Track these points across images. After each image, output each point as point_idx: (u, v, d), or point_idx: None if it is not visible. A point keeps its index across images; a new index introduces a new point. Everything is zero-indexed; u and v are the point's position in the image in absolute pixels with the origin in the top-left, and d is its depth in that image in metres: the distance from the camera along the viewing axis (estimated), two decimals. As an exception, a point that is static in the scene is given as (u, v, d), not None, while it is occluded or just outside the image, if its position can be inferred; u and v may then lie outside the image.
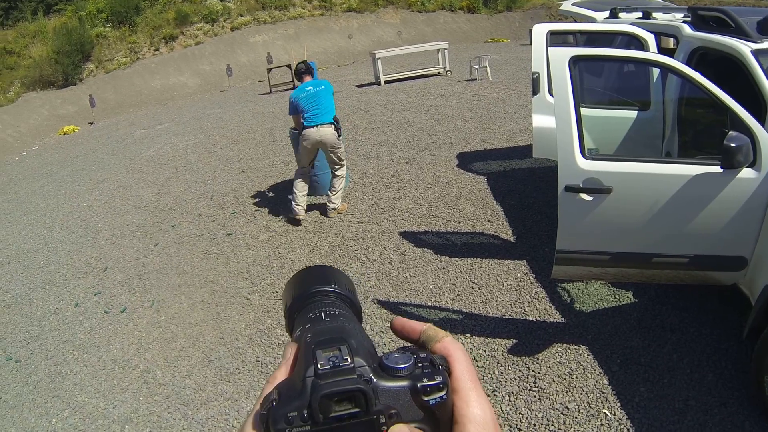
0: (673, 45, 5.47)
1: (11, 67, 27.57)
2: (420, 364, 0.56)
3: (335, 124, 7.05)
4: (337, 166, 7.30)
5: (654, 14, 5.96)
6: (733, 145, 3.39)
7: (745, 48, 4.09)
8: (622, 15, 6.36)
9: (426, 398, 0.54)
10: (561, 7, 8.06)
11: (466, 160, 8.86)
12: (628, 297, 4.94)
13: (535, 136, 5.93)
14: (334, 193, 7.37)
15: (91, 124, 23.57)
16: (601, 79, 6.16)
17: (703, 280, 4.08)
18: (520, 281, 5.40)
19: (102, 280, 7.01)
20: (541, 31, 5.77)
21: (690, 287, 4.69)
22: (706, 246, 3.79)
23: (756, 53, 4.03)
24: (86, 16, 30.24)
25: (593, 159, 3.84)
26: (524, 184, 7.69)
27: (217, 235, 7.58)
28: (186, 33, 30.90)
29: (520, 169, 8.30)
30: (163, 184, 10.46)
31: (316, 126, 6.93)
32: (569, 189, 3.79)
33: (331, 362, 0.54)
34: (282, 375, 0.58)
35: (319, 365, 0.53)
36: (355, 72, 22.90)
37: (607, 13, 6.56)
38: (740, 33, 4.33)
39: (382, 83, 18.05)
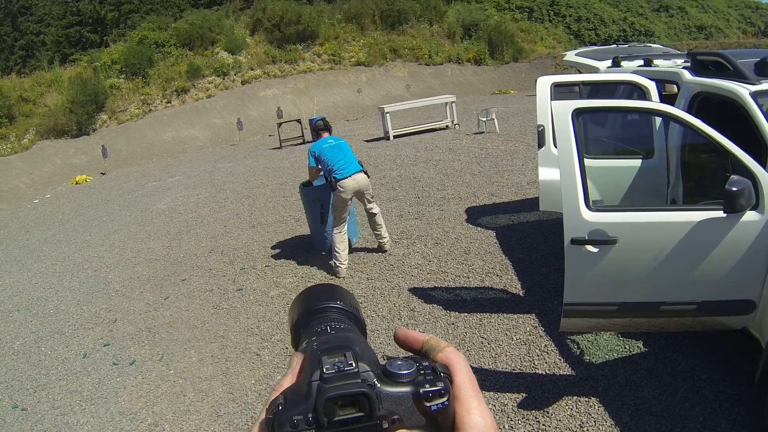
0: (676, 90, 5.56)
1: (27, 114, 28.05)
2: (422, 372, 0.58)
3: (364, 169, 7.34)
4: (371, 204, 7.53)
5: (655, 61, 6.08)
6: (734, 189, 3.43)
7: (743, 90, 4.16)
8: (624, 63, 6.47)
9: (428, 404, 0.56)
10: (564, 58, 8.18)
11: (475, 215, 8.94)
12: (637, 346, 4.92)
13: (541, 189, 5.97)
14: (380, 228, 7.72)
15: (103, 174, 23.82)
16: (605, 129, 6.19)
17: (712, 326, 4.07)
18: (530, 335, 5.39)
19: (111, 331, 7.03)
20: (544, 83, 5.86)
21: (700, 333, 4.65)
22: (714, 291, 3.80)
23: (754, 95, 4.10)
24: (101, 66, 30.83)
25: (598, 210, 3.88)
26: (532, 237, 7.73)
27: (228, 290, 7.62)
28: (197, 86, 31.37)
29: (528, 222, 8.36)
30: (173, 238, 10.54)
31: (351, 176, 7.08)
32: (575, 241, 3.82)
33: (336, 367, 0.55)
34: (288, 383, 0.60)
35: (324, 369, 0.55)
36: (365, 126, 23.15)
37: (609, 62, 6.68)
38: (738, 75, 4.41)
39: (391, 138, 18.25)
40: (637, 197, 5.42)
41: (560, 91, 5.91)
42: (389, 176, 12.37)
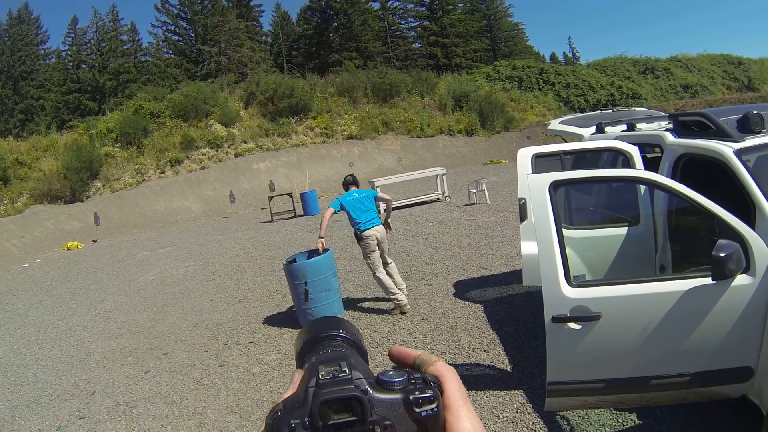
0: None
1: (22, 178, 28.39)
2: (413, 381, 0.62)
3: (383, 222, 8.30)
4: (386, 255, 8.28)
5: (638, 125, 6.06)
6: (722, 254, 3.32)
7: (727, 149, 4.07)
8: (608, 129, 6.43)
9: (418, 410, 0.59)
10: (549, 127, 8.18)
11: (463, 289, 8.85)
12: (631, 419, 4.74)
13: (524, 263, 5.74)
14: (390, 289, 8.08)
15: (95, 241, 23.94)
16: (590, 197, 6.13)
17: (709, 397, 3.91)
18: (517, 412, 5.23)
19: (89, 404, 6.83)
20: (525, 155, 5.78)
21: (697, 403, 4.50)
22: (708, 361, 3.67)
23: (738, 153, 4.01)
24: (97, 134, 31.32)
25: (579, 286, 3.78)
26: (521, 310, 7.60)
27: (210, 365, 7.44)
28: (191, 157, 31.68)
29: (517, 294, 8.26)
30: (159, 310, 10.44)
31: (373, 228, 7.97)
32: (556, 319, 3.72)
33: (331, 374, 0.60)
34: (288, 395, 0.63)
35: (320, 376, 0.59)
36: None
37: (593, 129, 6.66)
38: (721, 134, 4.33)
39: (381, 211, 18.09)
40: (625, 266, 5.30)
41: (542, 162, 5.84)
42: (378, 250, 12.25)
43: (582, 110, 44.28)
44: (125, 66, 50.18)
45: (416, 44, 63.72)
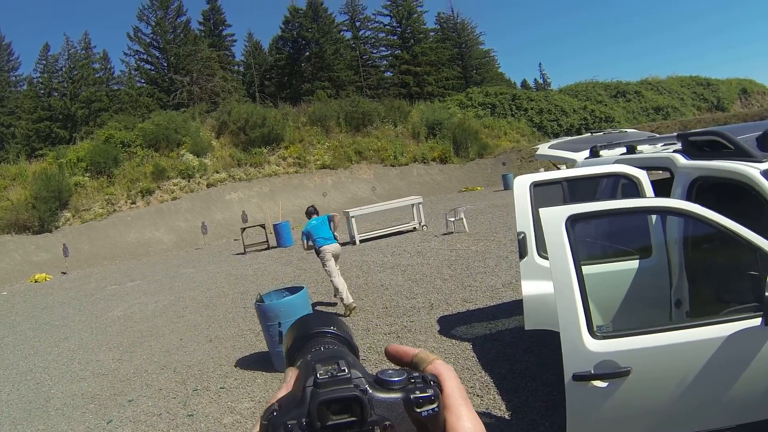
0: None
1: None
2: (413, 380, 0.60)
3: (336, 239, 10.25)
4: (335, 273, 9.95)
5: (639, 147, 5.65)
6: None
7: (752, 171, 3.66)
8: (603, 153, 6.03)
9: (418, 410, 0.57)
10: (538, 152, 7.54)
11: (448, 325, 8.33)
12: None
13: (526, 306, 5.06)
14: (342, 293, 9.76)
15: (64, 273, 23.52)
16: (593, 227, 5.33)
17: None
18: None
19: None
20: (522, 183, 5.21)
21: None
22: (754, 411, 3.24)
23: (766, 174, 3.61)
24: (66, 163, 30.79)
25: (604, 337, 3.30)
26: (514, 347, 7.07)
27: (177, 414, 6.83)
28: (162, 188, 31.27)
29: (507, 329, 7.75)
30: (125, 350, 9.91)
31: (329, 245, 9.97)
32: (578, 377, 3.23)
33: (329, 373, 0.57)
34: (282, 393, 0.60)
35: (318, 375, 0.57)
36: None
37: (586, 153, 6.25)
38: (741, 154, 3.92)
39: (357, 242, 17.96)
40: (637, 303, 4.75)
41: (541, 191, 5.29)
42: (355, 284, 11.85)
43: (556, 135, 44.78)
44: (97, 94, 49.62)
45: (388, 73, 64.30)
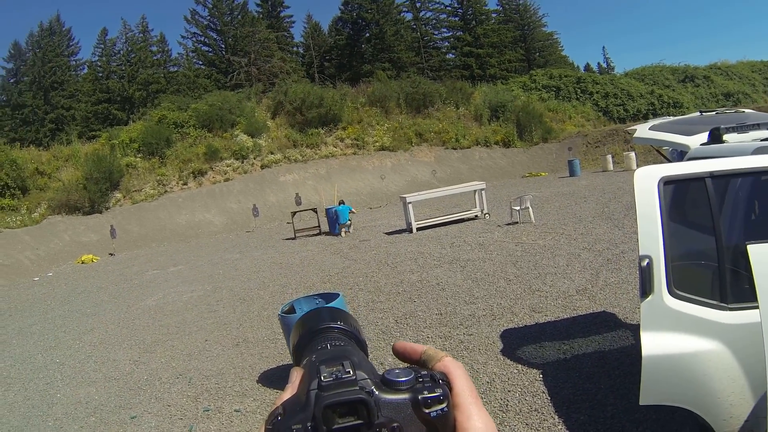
0: None
1: (41, 188, 27.95)
2: (421, 379, 0.57)
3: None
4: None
5: None
6: None
7: None
8: (728, 137, 4.50)
9: (427, 410, 0.55)
10: (635, 135, 5.87)
11: (513, 342, 6.79)
12: None
13: (646, 369, 3.40)
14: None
15: (112, 255, 23.60)
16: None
17: None
18: None
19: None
20: (646, 177, 3.55)
21: None
22: None
23: None
24: (118, 144, 30.64)
25: None
26: (594, 381, 5.46)
27: (180, 442, 5.64)
28: (215, 169, 30.69)
29: (585, 354, 6.14)
30: (145, 349, 9.01)
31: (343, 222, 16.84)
32: None
33: (333, 375, 0.55)
34: (287, 396, 0.58)
35: (322, 377, 0.55)
36: (387, 215, 22.08)
37: (703, 137, 4.72)
38: None
39: (414, 230, 16.70)
40: None
41: (675, 191, 3.76)
42: (408, 281, 10.53)
43: (622, 120, 43.01)
44: (154, 76, 49.64)
45: (450, 55, 62.72)
